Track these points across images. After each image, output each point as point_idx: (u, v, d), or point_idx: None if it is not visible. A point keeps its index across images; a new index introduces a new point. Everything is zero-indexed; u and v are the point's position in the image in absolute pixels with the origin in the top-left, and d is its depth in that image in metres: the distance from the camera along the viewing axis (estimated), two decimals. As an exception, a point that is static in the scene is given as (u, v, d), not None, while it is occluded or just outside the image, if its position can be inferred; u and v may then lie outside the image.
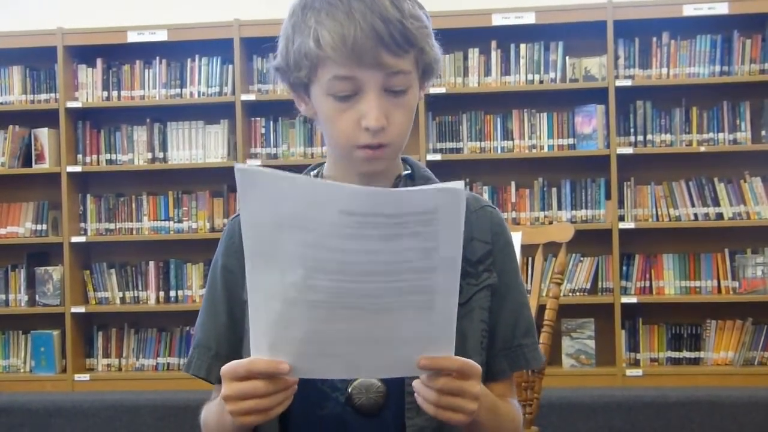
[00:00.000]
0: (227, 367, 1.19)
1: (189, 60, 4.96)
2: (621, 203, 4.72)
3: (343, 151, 1.37)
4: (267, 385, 1.18)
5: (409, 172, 1.45)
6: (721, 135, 4.71)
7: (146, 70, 5.00)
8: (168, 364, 4.97)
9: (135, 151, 5.01)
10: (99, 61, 5.00)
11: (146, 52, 4.97)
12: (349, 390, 1.36)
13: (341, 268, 1.09)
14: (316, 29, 1.30)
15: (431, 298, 1.12)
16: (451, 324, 1.15)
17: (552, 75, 4.78)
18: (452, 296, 1.14)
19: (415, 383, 1.20)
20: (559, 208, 4.80)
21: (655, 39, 4.74)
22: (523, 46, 4.79)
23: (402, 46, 1.30)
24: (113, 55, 5.03)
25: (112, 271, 5.02)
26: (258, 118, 4.96)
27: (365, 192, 1.07)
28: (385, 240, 1.08)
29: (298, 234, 1.09)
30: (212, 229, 4.92)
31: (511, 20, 4.69)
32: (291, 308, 1.13)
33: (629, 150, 4.70)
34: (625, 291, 4.72)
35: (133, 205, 5.01)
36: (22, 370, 5.03)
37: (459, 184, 1.08)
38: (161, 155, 5.00)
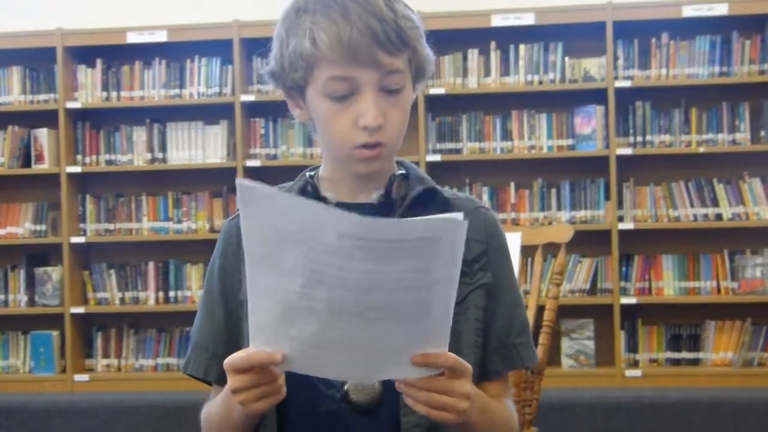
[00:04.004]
0: (227, 362, 1.22)
1: (188, 61, 4.96)
2: (620, 204, 4.72)
3: (340, 152, 1.38)
4: (264, 377, 1.20)
5: (404, 172, 1.46)
6: (720, 136, 4.71)
7: (146, 71, 5.00)
8: (167, 364, 4.96)
9: (134, 152, 5.01)
10: (98, 62, 5.00)
11: (146, 52, 4.97)
12: (345, 387, 1.37)
13: (341, 283, 1.11)
14: (312, 29, 1.32)
15: (428, 308, 1.15)
16: (446, 327, 1.18)
17: (551, 76, 4.78)
18: (449, 304, 1.16)
19: (399, 383, 1.21)
20: (559, 208, 4.80)
21: (654, 40, 4.74)
22: (522, 46, 4.79)
23: (397, 45, 1.33)
24: (113, 55, 5.03)
25: (112, 271, 5.02)
26: (257, 119, 4.96)
27: (365, 221, 1.08)
28: (383, 261, 1.09)
29: (298, 248, 1.11)
30: (212, 230, 4.92)
31: (511, 21, 4.69)
32: (291, 313, 1.15)
33: (628, 151, 4.70)
34: (624, 292, 4.72)
35: (133, 206, 5.01)
36: (21, 371, 5.03)
37: (459, 215, 1.11)
38: (161, 156, 5.00)
